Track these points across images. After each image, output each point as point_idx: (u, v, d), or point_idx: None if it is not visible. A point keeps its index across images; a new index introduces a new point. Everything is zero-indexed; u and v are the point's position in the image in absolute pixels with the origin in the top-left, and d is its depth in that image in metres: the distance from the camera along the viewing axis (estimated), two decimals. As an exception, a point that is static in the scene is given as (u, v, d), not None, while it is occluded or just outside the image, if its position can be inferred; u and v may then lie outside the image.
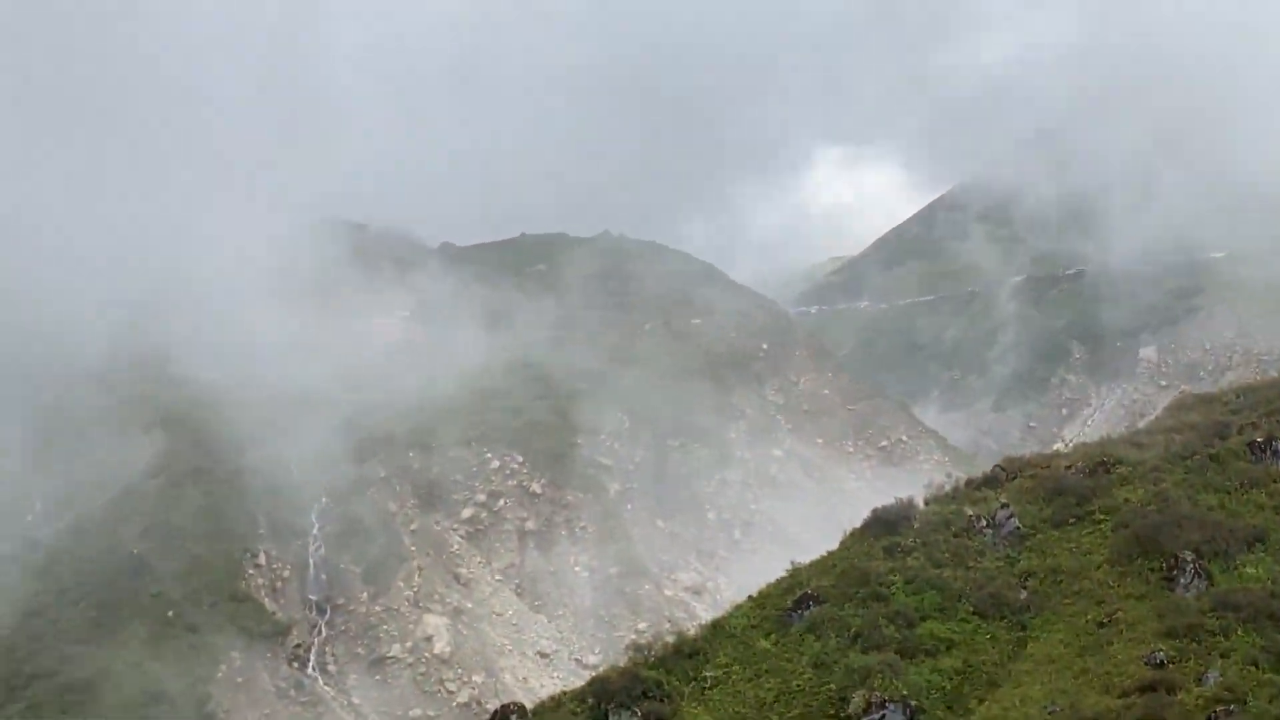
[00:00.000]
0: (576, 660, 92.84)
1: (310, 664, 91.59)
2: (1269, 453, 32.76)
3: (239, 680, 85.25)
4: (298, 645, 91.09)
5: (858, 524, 37.11)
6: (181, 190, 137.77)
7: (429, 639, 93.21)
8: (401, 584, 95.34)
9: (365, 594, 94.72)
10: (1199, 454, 34.19)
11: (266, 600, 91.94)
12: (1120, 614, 29.39)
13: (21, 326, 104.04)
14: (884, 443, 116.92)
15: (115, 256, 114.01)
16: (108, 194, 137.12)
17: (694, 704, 30.26)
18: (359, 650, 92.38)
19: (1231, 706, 24.15)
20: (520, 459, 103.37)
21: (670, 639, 34.66)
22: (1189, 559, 29.82)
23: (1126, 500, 32.96)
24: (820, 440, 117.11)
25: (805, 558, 37.41)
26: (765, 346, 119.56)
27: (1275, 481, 32.23)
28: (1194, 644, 27.46)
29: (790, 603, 32.91)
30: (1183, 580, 29.72)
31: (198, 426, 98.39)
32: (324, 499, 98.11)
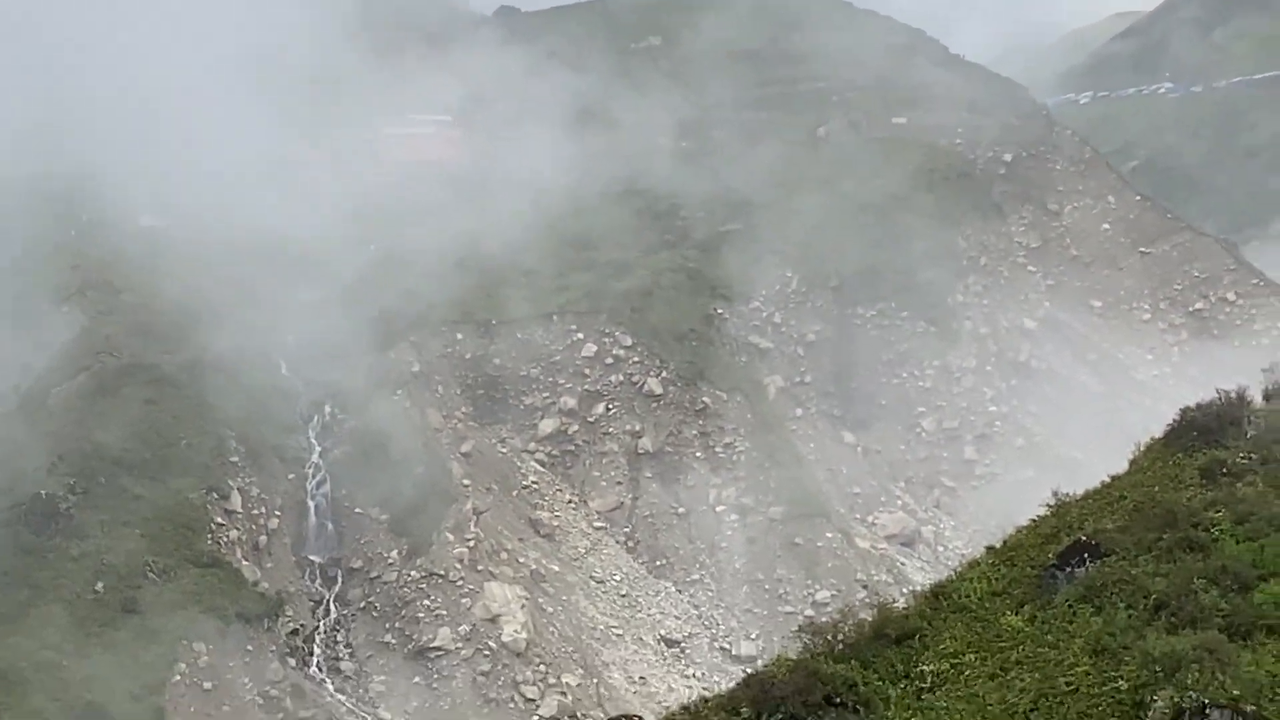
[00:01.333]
0: (723, 650, 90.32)
1: (314, 659, 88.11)
2: None
3: (206, 686, 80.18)
4: (294, 631, 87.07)
5: (1158, 433, 37.05)
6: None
7: (494, 620, 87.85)
8: (450, 537, 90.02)
9: (395, 553, 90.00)
10: None
11: (244, 564, 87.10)
12: None
13: None
14: (1199, 304, 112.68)
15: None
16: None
17: (906, 712, 27.85)
18: (388, 639, 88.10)
19: None
20: (629, 340, 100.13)
21: (868, 616, 32.54)
22: None
23: None
24: (1098, 303, 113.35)
25: (1077, 486, 36.12)
26: (1009, 158, 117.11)
27: None
28: None
29: (1054, 556, 32.29)
30: None
31: (134, 298, 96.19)
32: (328, 408, 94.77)
